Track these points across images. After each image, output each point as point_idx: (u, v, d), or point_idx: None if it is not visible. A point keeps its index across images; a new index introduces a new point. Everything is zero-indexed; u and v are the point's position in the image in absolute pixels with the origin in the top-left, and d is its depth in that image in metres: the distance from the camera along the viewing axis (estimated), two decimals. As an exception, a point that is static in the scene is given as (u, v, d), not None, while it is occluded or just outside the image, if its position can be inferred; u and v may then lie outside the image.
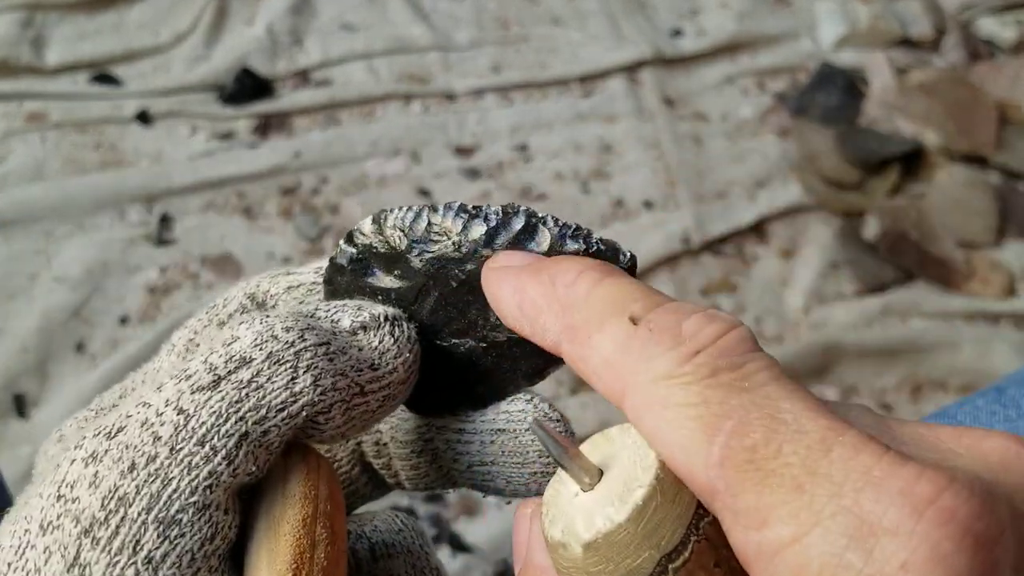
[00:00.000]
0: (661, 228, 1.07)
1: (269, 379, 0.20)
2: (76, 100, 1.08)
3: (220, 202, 1.04)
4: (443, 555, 0.82)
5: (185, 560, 0.19)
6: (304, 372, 0.20)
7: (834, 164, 1.15)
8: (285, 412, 0.20)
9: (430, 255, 0.22)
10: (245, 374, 0.20)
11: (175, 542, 0.19)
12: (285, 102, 1.13)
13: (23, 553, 0.19)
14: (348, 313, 0.22)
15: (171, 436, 0.19)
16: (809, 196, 1.13)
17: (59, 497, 0.19)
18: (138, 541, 0.18)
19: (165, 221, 1.02)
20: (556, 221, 0.22)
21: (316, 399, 0.20)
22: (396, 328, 0.22)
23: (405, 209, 0.23)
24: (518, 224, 0.22)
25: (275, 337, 0.20)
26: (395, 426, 0.25)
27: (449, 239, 0.22)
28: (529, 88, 1.20)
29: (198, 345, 0.23)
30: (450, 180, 1.09)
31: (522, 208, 0.22)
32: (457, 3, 1.29)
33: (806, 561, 0.16)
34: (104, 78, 1.11)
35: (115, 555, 0.18)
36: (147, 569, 0.18)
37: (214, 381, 0.19)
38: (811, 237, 1.11)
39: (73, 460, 0.19)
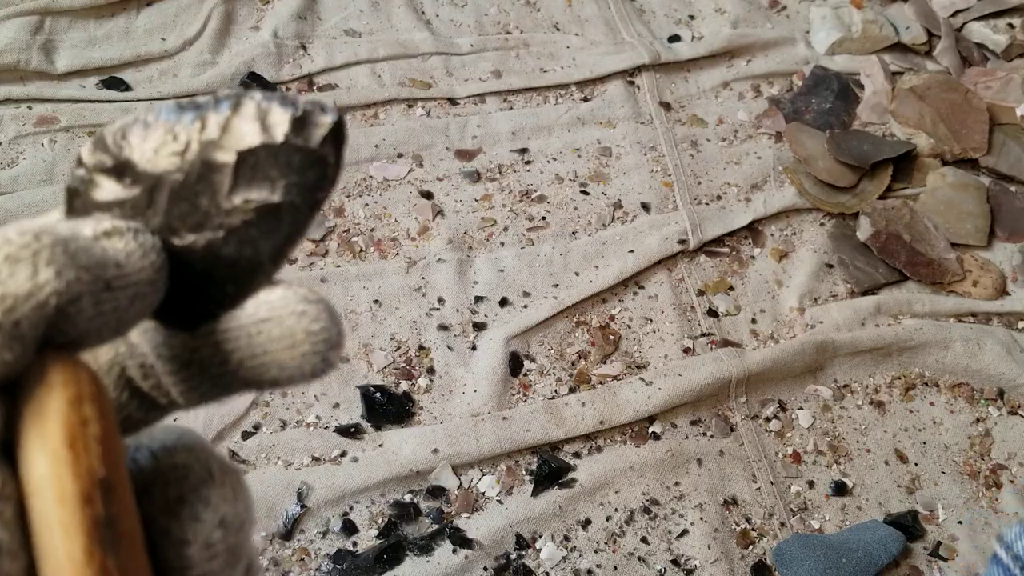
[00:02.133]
0: (659, 230, 1.09)
1: (11, 275, 0.19)
2: (86, 104, 1.09)
3: (226, 204, 1.06)
4: (444, 550, 0.83)
5: None
6: (46, 265, 0.20)
7: (828, 166, 1.17)
8: (32, 300, 0.19)
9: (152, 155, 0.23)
10: None
11: None
12: (290, 106, 1.14)
13: None
14: (88, 224, 0.22)
15: None
16: (803, 198, 1.14)
17: None
18: None
19: (173, 223, 1.03)
20: (262, 93, 0.23)
21: (61, 287, 0.20)
22: (139, 235, 0.22)
23: (124, 119, 0.23)
24: (226, 103, 0.23)
25: (9, 241, 0.20)
26: (159, 343, 0.25)
27: (166, 133, 0.23)
28: (529, 92, 1.21)
29: None
30: (452, 182, 1.11)
31: (231, 89, 0.23)
32: (459, 10, 1.30)
33: None
34: (113, 83, 1.12)
35: None
36: None
37: None
38: (805, 238, 1.13)
39: None
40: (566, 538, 0.86)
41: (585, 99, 1.22)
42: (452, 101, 1.19)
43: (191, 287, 0.24)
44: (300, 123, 0.23)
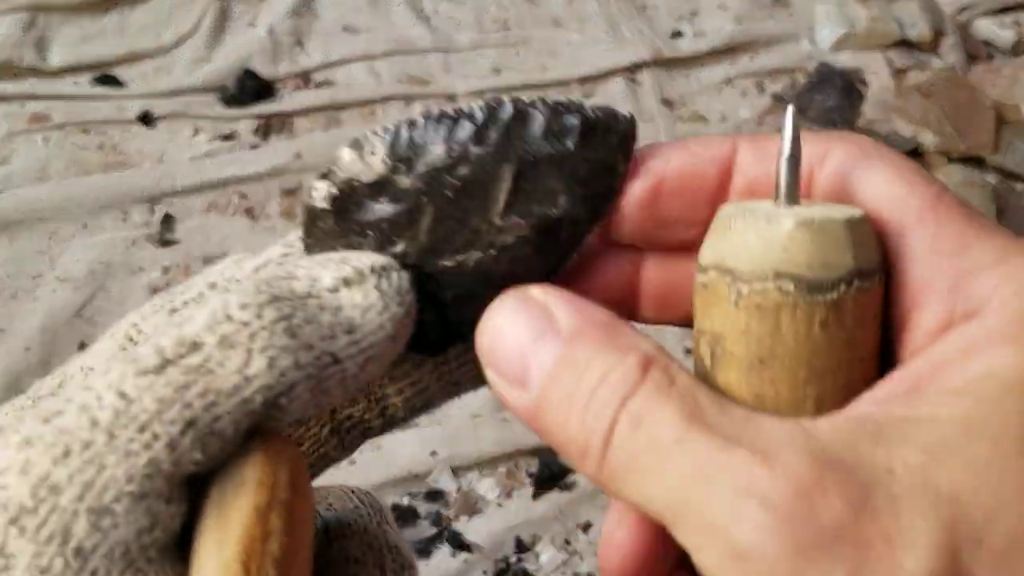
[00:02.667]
0: (660, 229, 1.08)
1: (220, 364, 0.18)
2: (79, 101, 1.09)
3: (222, 203, 1.05)
4: (443, 554, 0.82)
5: (118, 551, 0.18)
6: (260, 353, 0.19)
7: (832, 165, 1.16)
8: (238, 398, 0.18)
9: (420, 171, 0.21)
10: (195, 359, 0.18)
11: (108, 532, 0.17)
12: (287, 103, 1.13)
13: None
14: (330, 269, 0.21)
15: (110, 422, 0.18)
16: (808, 197, 1.13)
17: None
18: (68, 531, 0.17)
19: (168, 222, 1.02)
20: (544, 102, 0.21)
21: (271, 381, 0.19)
22: (383, 280, 0.21)
23: (383, 131, 0.21)
24: (506, 113, 0.21)
25: (229, 317, 0.19)
26: (391, 371, 0.24)
27: (437, 147, 0.21)
28: (530, 89, 1.20)
29: (140, 332, 0.22)
30: (451, 181, 1.10)
31: (506, 98, 0.21)
32: (458, 5, 1.30)
33: (1005, 277, 0.18)
34: (107, 79, 1.12)
35: (42, 545, 0.17)
36: (76, 560, 0.17)
37: (160, 365, 0.18)
38: (810, 237, 1.12)
39: (6, 446, 0.18)
40: (567, 542, 0.86)
41: (586, 96, 1.21)
42: (451, 98, 1.18)
43: (449, 308, 0.22)
44: (591, 131, 0.22)
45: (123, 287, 0.97)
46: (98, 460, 0.17)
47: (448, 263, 0.22)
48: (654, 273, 0.24)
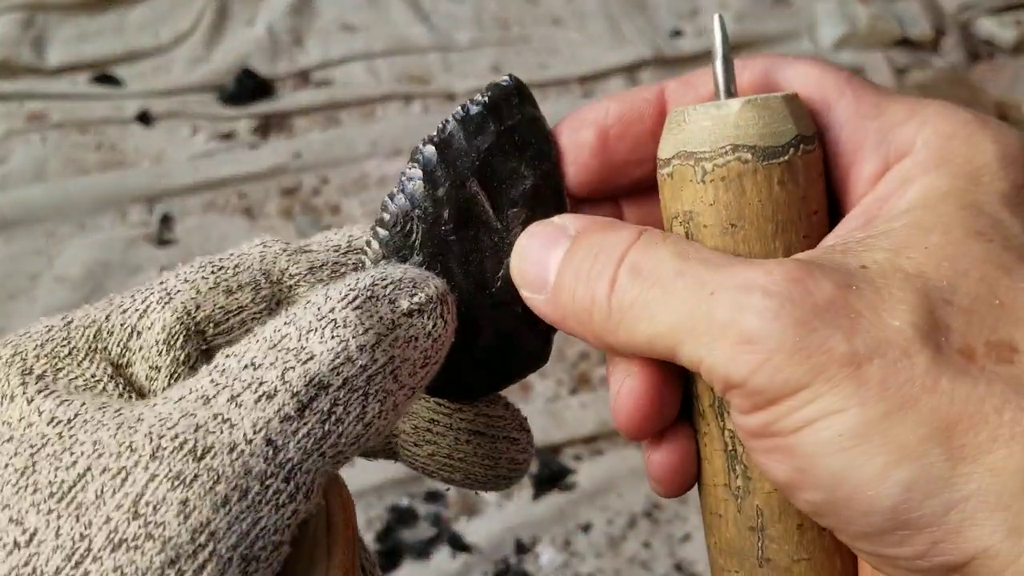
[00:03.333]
0: (661, 228, 1.08)
1: (345, 410, 0.19)
2: (77, 100, 1.09)
3: (221, 202, 1.05)
4: (443, 555, 0.82)
5: None
6: (373, 400, 0.20)
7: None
8: (357, 445, 0.20)
9: (420, 239, 0.24)
10: (324, 403, 0.19)
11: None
12: (285, 102, 1.13)
13: (80, 563, 0.17)
14: (405, 292, 0.21)
15: (262, 471, 0.18)
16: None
17: (137, 515, 0.18)
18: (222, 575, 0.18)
19: (166, 221, 1.02)
20: (451, 117, 0.24)
21: (382, 425, 0.20)
22: (445, 308, 0.22)
23: (372, 228, 0.24)
24: (429, 151, 0.24)
25: (351, 360, 0.20)
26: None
27: (414, 212, 0.24)
28: (530, 88, 1.20)
29: (199, 307, 0.23)
30: (450, 180, 1.10)
31: (421, 142, 0.24)
32: (457, 4, 1.29)
33: (922, 122, 0.23)
34: (105, 79, 1.11)
35: None
36: None
37: (299, 409, 0.19)
38: (811, 237, 1.12)
39: (153, 476, 0.18)
40: (567, 542, 0.86)
41: (586, 95, 1.21)
42: (450, 97, 1.18)
43: (482, 351, 0.24)
44: (494, 108, 0.24)
45: (121, 287, 0.96)
46: (254, 511, 0.18)
47: (495, 288, 0.24)
48: (633, 218, 0.27)
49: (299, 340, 0.20)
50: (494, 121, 0.24)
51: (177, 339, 0.22)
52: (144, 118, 1.09)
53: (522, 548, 0.84)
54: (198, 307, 0.23)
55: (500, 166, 0.24)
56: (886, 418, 0.19)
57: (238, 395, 0.19)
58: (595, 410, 0.92)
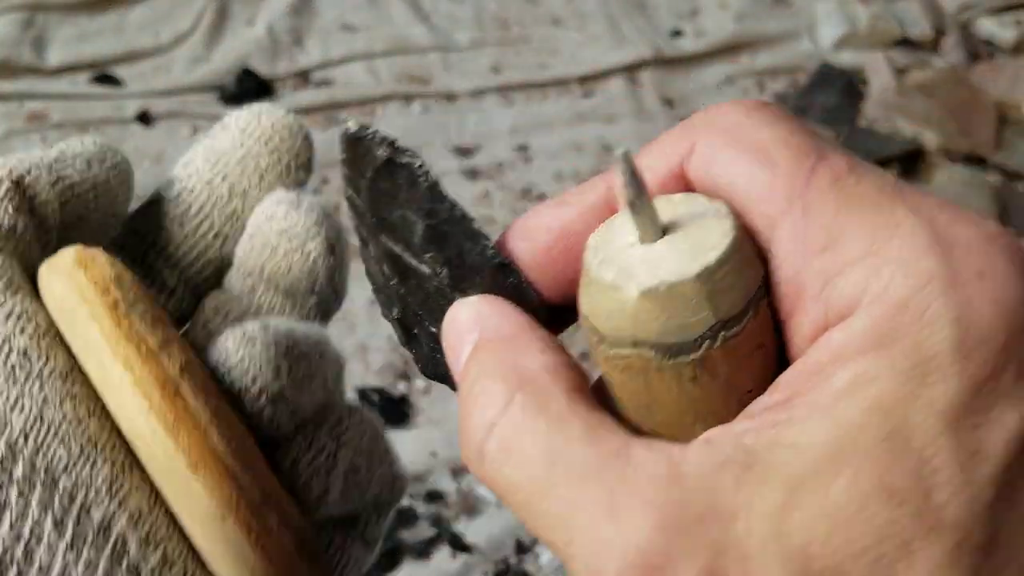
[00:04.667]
0: (661, 228, 1.08)
1: None
2: (77, 100, 1.09)
3: (221, 202, 1.05)
4: (443, 555, 0.82)
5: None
6: None
7: (834, 164, 1.16)
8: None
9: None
10: None
11: None
12: (286, 102, 1.13)
13: None
14: None
15: None
16: (809, 196, 1.13)
17: None
18: None
19: (166, 221, 1.02)
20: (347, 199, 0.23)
21: None
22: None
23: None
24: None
25: None
26: None
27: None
28: (529, 88, 1.20)
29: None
30: (450, 180, 1.10)
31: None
32: (457, 4, 1.30)
33: (875, 270, 0.17)
34: (105, 79, 1.12)
35: None
36: None
37: None
38: (811, 237, 1.12)
39: None
40: (567, 543, 0.86)
41: (586, 95, 1.21)
42: (450, 97, 1.18)
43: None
44: (352, 164, 0.23)
45: (121, 287, 0.97)
46: None
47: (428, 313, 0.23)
48: None
49: None
50: (359, 176, 0.22)
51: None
52: (144, 118, 1.09)
53: (522, 548, 0.84)
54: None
55: (392, 219, 0.22)
56: None
57: None
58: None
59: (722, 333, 0.18)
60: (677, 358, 0.19)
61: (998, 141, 1.20)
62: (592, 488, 0.18)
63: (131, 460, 0.19)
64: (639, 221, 0.19)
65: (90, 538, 0.18)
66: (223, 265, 0.23)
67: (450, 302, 0.22)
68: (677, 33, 1.31)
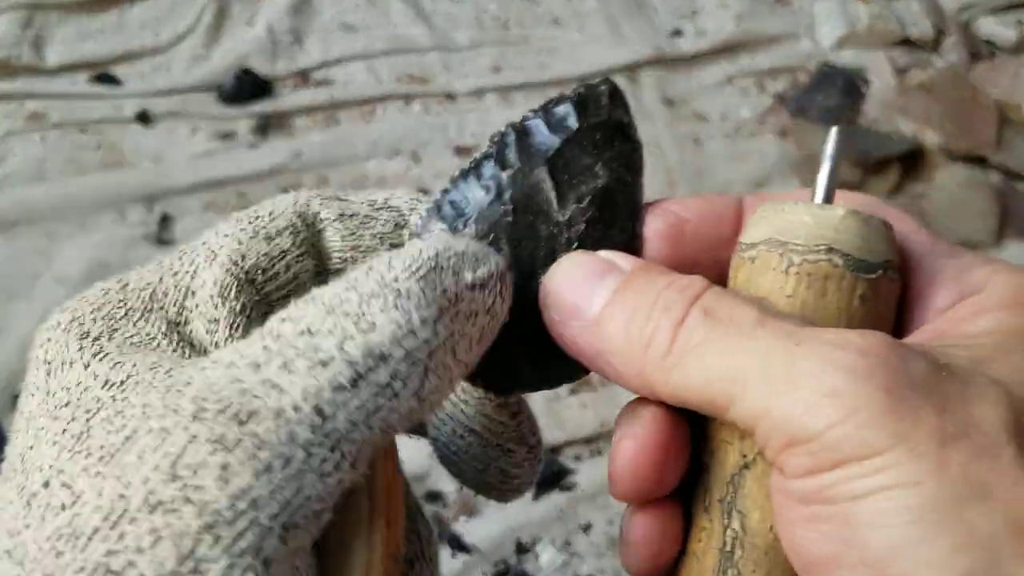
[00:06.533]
0: (661, 228, 1.08)
1: (404, 383, 0.19)
2: (76, 100, 1.08)
3: (220, 202, 1.05)
4: (443, 555, 0.82)
5: (297, 561, 0.18)
6: (432, 374, 0.19)
7: (834, 164, 1.16)
8: (409, 419, 0.19)
9: (475, 217, 0.24)
10: (383, 375, 0.19)
11: (291, 543, 0.18)
12: (285, 102, 1.13)
13: (117, 523, 0.17)
14: (468, 264, 0.21)
15: (307, 439, 0.18)
16: (809, 196, 1.13)
17: (175, 477, 0.17)
18: (261, 546, 0.17)
19: (165, 221, 1.02)
20: (534, 109, 0.24)
21: (435, 400, 0.20)
22: (504, 285, 0.22)
23: (428, 209, 0.24)
24: (510, 135, 0.23)
25: (413, 333, 0.19)
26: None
27: (476, 193, 0.24)
28: (529, 88, 1.20)
29: (244, 256, 0.23)
30: (450, 180, 1.10)
31: (503, 126, 0.24)
32: (457, 4, 1.29)
33: (992, 269, 0.24)
34: (104, 78, 1.11)
35: (236, 557, 0.17)
36: (264, 570, 0.17)
37: (353, 379, 0.18)
38: (811, 237, 1.11)
39: (193, 438, 0.17)
40: (567, 543, 0.86)
41: (586, 95, 1.21)
42: (450, 97, 1.18)
43: (525, 345, 0.24)
44: (581, 105, 0.24)
45: (120, 287, 0.97)
46: (297, 479, 0.18)
47: (543, 275, 0.24)
48: None
49: (359, 306, 0.19)
50: (578, 117, 0.24)
51: (230, 290, 0.22)
52: (144, 118, 1.09)
53: (522, 548, 0.84)
54: (243, 256, 0.23)
55: (574, 160, 0.24)
56: (961, 502, 0.18)
57: (291, 361, 0.18)
58: (595, 411, 0.92)
59: (890, 271, 0.23)
60: (860, 272, 0.22)
61: (999, 141, 1.20)
62: (810, 328, 0.21)
63: None
64: (830, 183, 0.24)
65: None
66: None
67: (558, 249, 0.23)
68: (677, 33, 1.30)
